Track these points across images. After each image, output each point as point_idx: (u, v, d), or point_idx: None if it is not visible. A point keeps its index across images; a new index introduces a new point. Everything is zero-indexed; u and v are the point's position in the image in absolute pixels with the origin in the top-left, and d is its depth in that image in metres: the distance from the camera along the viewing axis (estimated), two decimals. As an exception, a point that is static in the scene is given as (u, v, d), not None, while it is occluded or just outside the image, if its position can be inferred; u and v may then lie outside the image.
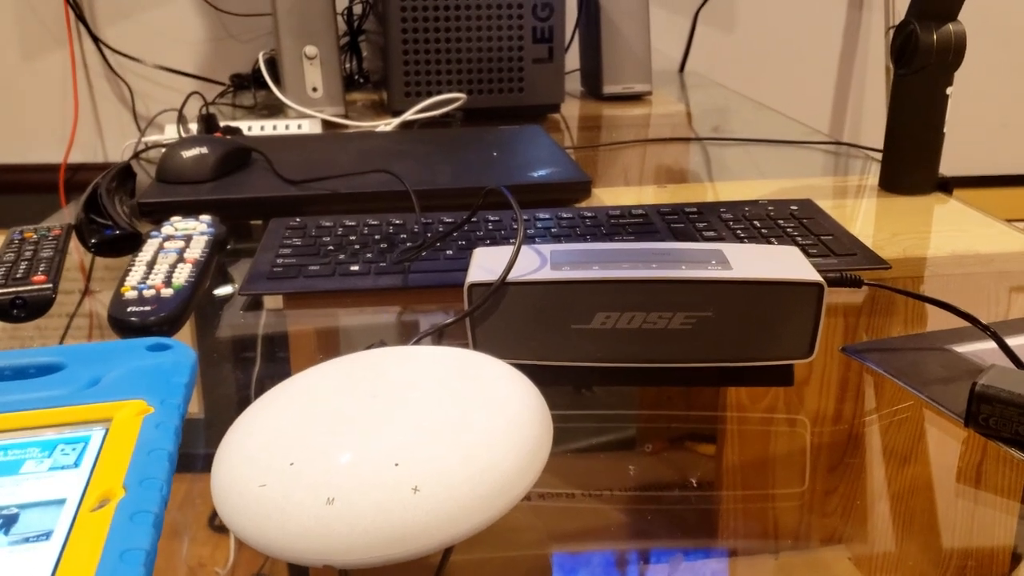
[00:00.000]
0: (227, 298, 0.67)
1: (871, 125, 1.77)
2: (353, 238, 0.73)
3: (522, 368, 0.44)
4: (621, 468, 0.46)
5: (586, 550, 0.40)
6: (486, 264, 0.53)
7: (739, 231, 0.73)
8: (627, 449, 0.48)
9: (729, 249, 0.53)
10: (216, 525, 0.41)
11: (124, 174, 0.85)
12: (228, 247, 0.76)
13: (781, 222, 0.75)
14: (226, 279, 0.71)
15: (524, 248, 0.53)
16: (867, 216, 0.84)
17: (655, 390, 0.54)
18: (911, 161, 0.87)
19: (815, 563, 0.39)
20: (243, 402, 0.50)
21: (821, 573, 0.39)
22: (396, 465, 0.34)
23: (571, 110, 1.39)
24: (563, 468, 0.45)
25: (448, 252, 0.70)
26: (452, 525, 0.34)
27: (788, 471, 0.46)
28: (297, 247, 0.72)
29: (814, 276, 0.50)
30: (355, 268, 0.68)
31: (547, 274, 0.51)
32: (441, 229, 0.73)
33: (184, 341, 0.52)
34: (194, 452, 0.48)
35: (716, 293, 0.50)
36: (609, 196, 0.90)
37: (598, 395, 0.53)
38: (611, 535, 0.41)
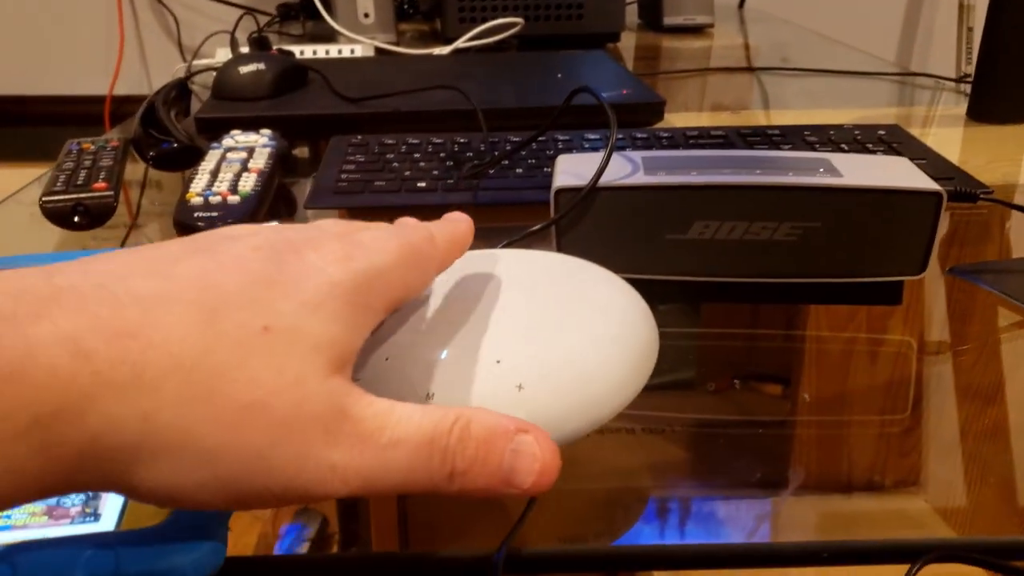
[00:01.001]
0: (291, 212, 0.65)
1: (941, 54, 1.69)
2: (418, 155, 0.70)
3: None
4: (687, 400, 0.43)
5: (648, 484, 0.38)
6: (573, 169, 0.49)
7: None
8: (691, 382, 0.45)
9: (837, 158, 0.49)
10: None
11: (180, 90, 0.83)
12: (289, 163, 0.74)
13: (870, 146, 0.71)
14: (288, 197, 0.69)
15: (616, 154, 0.50)
16: (955, 144, 0.79)
17: (725, 310, 0.51)
18: (1007, 86, 0.82)
19: (890, 505, 0.36)
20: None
21: (895, 515, 0.36)
22: (498, 362, 0.32)
23: (628, 42, 1.34)
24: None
25: (518, 170, 0.67)
26: (556, 426, 0.31)
27: (870, 402, 0.43)
28: (361, 163, 0.69)
29: (932, 185, 0.46)
30: (422, 184, 0.65)
31: (641, 179, 0.47)
32: (510, 147, 0.69)
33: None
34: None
35: (826, 202, 0.46)
36: (680, 121, 0.86)
37: (670, 315, 0.50)
38: (674, 470, 0.39)
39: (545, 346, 0.33)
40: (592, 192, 0.47)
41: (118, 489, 0.23)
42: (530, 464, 0.26)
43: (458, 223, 0.34)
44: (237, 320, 0.24)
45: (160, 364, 0.22)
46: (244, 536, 0.35)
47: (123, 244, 0.59)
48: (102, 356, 0.22)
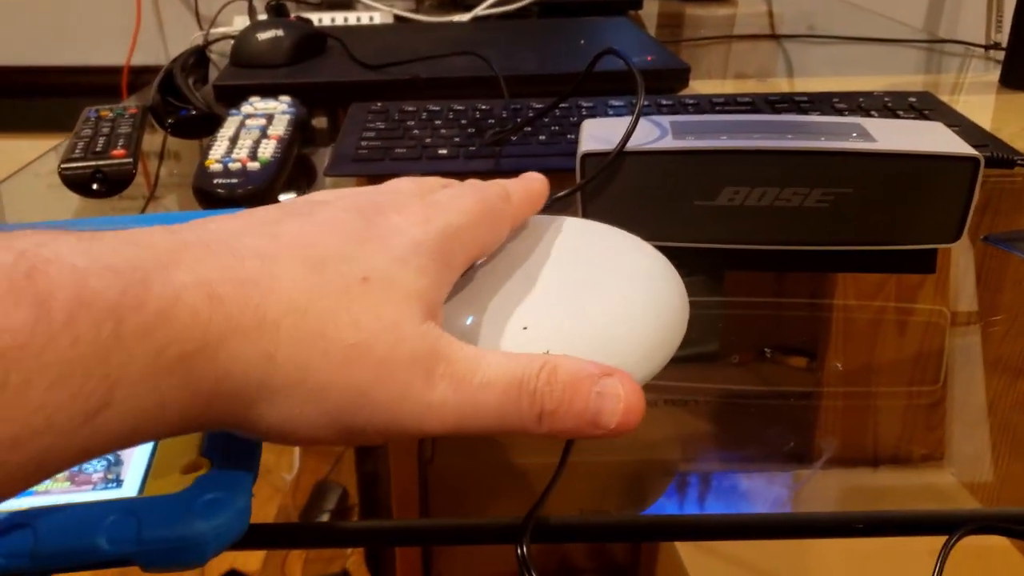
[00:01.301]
0: (310, 180, 0.64)
1: (971, 21, 1.66)
2: (439, 122, 0.69)
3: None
4: (711, 372, 0.42)
5: (672, 457, 0.37)
6: (600, 134, 0.48)
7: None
8: (713, 359, 0.44)
9: (870, 122, 0.48)
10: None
11: (198, 57, 0.82)
12: (309, 130, 0.73)
13: (901, 113, 0.69)
14: (307, 165, 0.68)
15: (642, 119, 0.49)
16: (987, 111, 0.78)
17: (750, 280, 0.50)
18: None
19: (917, 478, 0.36)
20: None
21: (923, 488, 0.35)
22: (525, 328, 0.31)
23: (651, 9, 1.32)
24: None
25: (541, 137, 0.66)
26: None
27: (899, 373, 0.42)
28: (381, 131, 0.68)
29: (969, 150, 0.45)
30: (443, 151, 0.64)
31: (669, 143, 0.46)
32: (532, 114, 0.68)
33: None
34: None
35: (859, 167, 0.45)
36: (705, 88, 0.84)
37: (694, 284, 0.49)
38: (698, 442, 0.38)
39: (573, 313, 0.32)
40: (619, 157, 0.46)
41: (241, 426, 0.26)
42: (615, 405, 0.28)
43: (533, 180, 0.37)
44: (340, 271, 0.26)
45: (278, 307, 0.25)
46: (264, 507, 0.35)
47: (143, 211, 0.58)
48: (231, 300, 0.24)
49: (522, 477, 0.39)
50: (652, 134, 0.47)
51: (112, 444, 0.23)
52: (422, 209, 0.30)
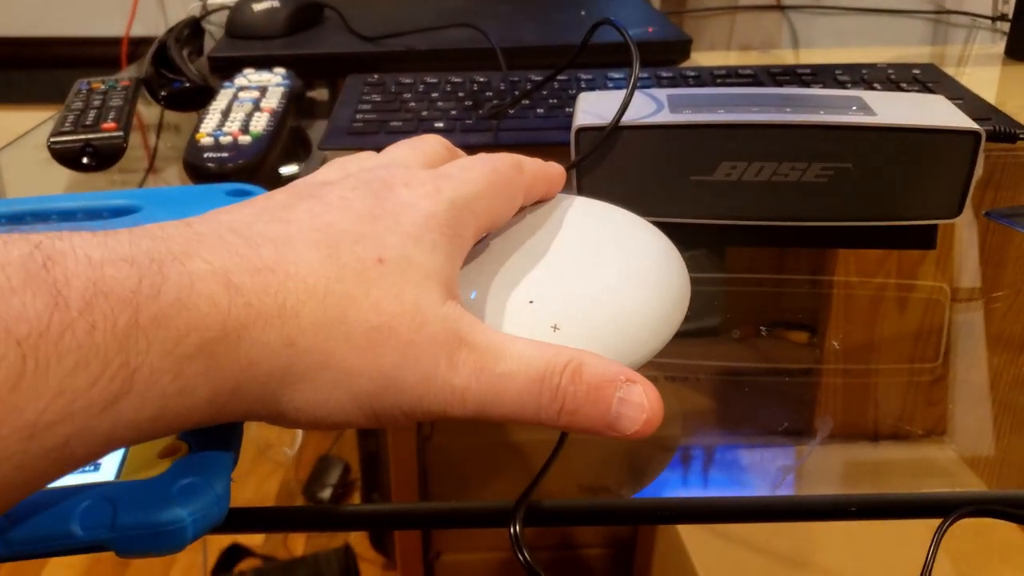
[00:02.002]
0: (305, 154, 0.63)
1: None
2: (436, 95, 0.68)
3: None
4: (714, 347, 0.42)
5: (672, 433, 0.37)
6: (594, 109, 0.47)
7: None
8: (716, 329, 0.43)
9: (870, 96, 0.47)
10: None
11: (193, 28, 0.81)
12: (303, 102, 0.72)
13: (904, 86, 0.68)
14: (302, 138, 0.67)
15: (639, 92, 0.48)
16: (992, 84, 0.77)
17: (751, 255, 0.49)
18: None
19: (918, 454, 0.35)
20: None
21: (924, 464, 0.35)
22: (531, 302, 0.31)
23: (654, -21, 1.30)
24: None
25: (539, 110, 0.65)
26: None
27: (900, 349, 0.41)
28: (377, 103, 0.67)
29: (970, 124, 0.44)
30: (439, 125, 0.63)
31: (665, 117, 0.45)
32: (530, 87, 0.67)
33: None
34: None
35: (858, 141, 0.44)
36: (706, 60, 0.83)
37: (694, 260, 0.48)
38: (698, 418, 0.38)
39: (580, 289, 0.32)
40: (614, 131, 0.45)
41: (269, 414, 0.26)
42: (637, 414, 0.27)
43: (551, 164, 0.36)
44: (355, 253, 0.26)
45: (297, 293, 0.25)
46: (267, 481, 0.35)
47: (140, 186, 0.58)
48: (249, 288, 0.24)
49: (521, 453, 0.39)
50: (648, 108, 0.47)
51: (137, 432, 0.23)
52: (431, 180, 0.30)
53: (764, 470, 0.34)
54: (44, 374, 0.20)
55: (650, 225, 0.37)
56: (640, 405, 0.27)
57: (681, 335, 0.33)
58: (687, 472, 0.35)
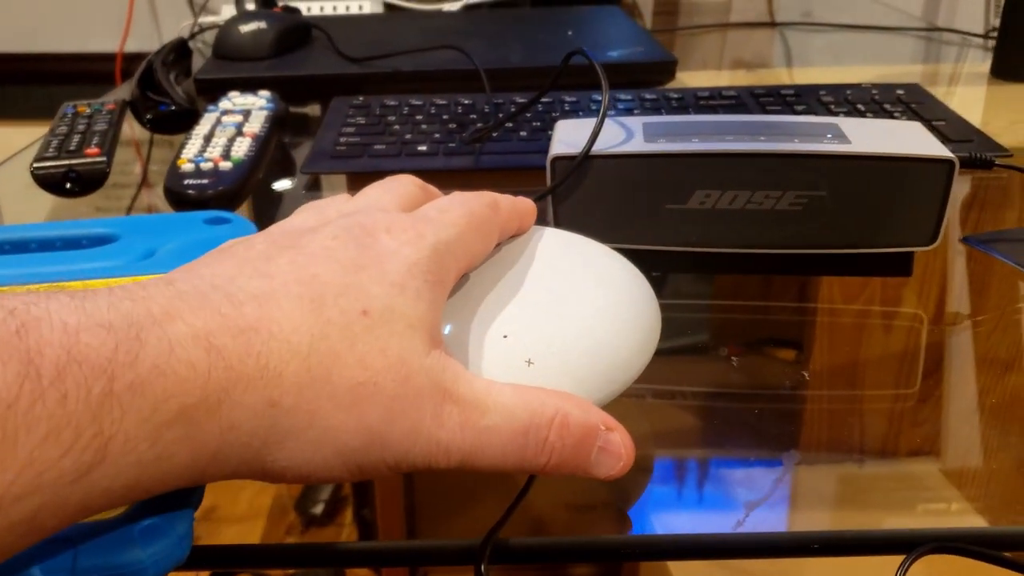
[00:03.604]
0: (288, 177, 0.63)
1: (969, 7, 1.64)
2: (420, 118, 0.68)
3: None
4: (697, 369, 0.42)
5: (658, 452, 0.37)
6: (570, 137, 0.47)
7: (842, 115, 0.66)
8: (701, 351, 0.43)
9: (846, 123, 0.47)
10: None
11: (179, 50, 0.81)
12: (287, 126, 0.72)
13: (887, 106, 0.68)
14: (286, 160, 0.67)
15: (614, 120, 0.48)
16: (978, 104, 0.77)
17: (734, 281, 0.49)
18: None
19: (903, 475, 0.35)
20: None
21: (910, 485, 0.35)
22: (505, 337, 0.31)
23: (645, -5, 1.30)
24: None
25: (522, 133, 0.65)
26: None
27: (881, 374, 0.41)
28: (361, 126, 0.67)
29: (944, 152, 0.44)
30: (423, 148, 0.63)
31: (639, 146, 0.45)
32: (514, 109, 0.68)
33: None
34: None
35: (833, 170, 0.44)
36: (693, 80, 0.83)
37: (677, 285, 0.48)
38: (683, 437, 0.38)
39: (552, 321, 0.32)
40: (589, 160, 0.45)
41: (253, 473, 0.25)
42: (614, 461, 0.29)
43: (522, 200, 0.36)
44: (339, 306, 0.26)
45: (281, 353, 0.24)
46: (258, 497, 0.35)
47: (124, 213, 0.58)
48: (231, 351, 0.24)
49: (516, 481, 0.38)
50: (624, 136, 0.47)
51: (111, 500, 0.22)
52: (412, 225, 0.29)
53: (749, 489, 0.34)
54: (12, 445, 0.20)
55: (619, 255, 0.37)
56: (617, 454, 0.29)
57: (666, 354, 0.33)
58: (673, 489, 0.35)
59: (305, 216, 0.32)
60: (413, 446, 0.26)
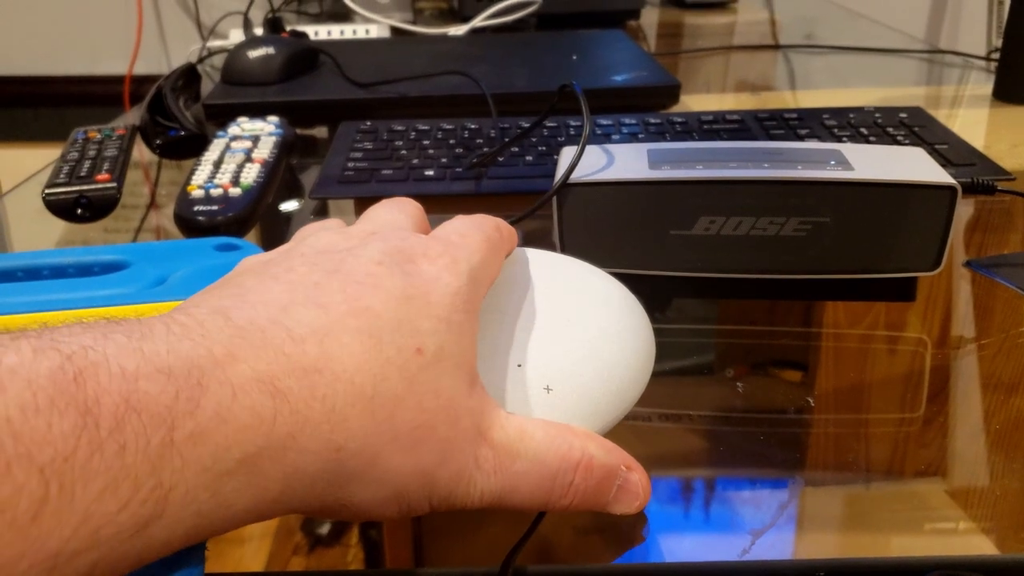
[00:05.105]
0: (297, 203, 0.64)
1: (972, 29, 1.64)
2: (427, 143, 0.69)
3: (615, 277, 0.40)
4: (703, 392, 0.42)
5: (664, 473, 0.37)
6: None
7: (845, 139, 0.67)
8: (707, 374, 0.44)
9: (849, 149, 0.48)
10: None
11: (189, 76, 0.82)
12: (296, 151, 0.73)
13: (890, 130, 0.69)
14: (295, 184, 0.68)
15: (619, 147, 0.48)
16: (980, 126, 0.77)
17: (739, 305, 0.49)
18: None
19: (909, 497, 0.35)
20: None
21: (916, 507, 0.35)
22: (519, 366, 0.31)
23: (650, 18, 1.31)
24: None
25: (527, 158, 0.66)
26: (587, 423, 0.31)
27: (886, 398, 0.42)
28: (368, 151, 0.68)
29: (947, 179, 0.45)
30: (429, 173, 0.64)
31: (645, 173, 0.46)
32: (506, 139, 0.68)
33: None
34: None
35: (836, 196, 0.45)
36: (697, 104, 0.84)
37: (683, 308, 0.49)
38: (690, 458, 0.38)
39: (562, 346, 0.32)
40: (596, 187, 0.46)
41: (311, 511, 0.25)
42: (631, 500, 0.30)
43: (504, 222, 0.36)
44: (395, 343, 0.26)
45: (346, 395, 0.24)
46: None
47: (134, 238, 0.58)
48: (296, 394, 0.23)
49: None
50: (629, 163, 0.47)
51: (167, 550, 0.22)
52: (446, 250, 0.29)
53: (755, 511, 0.34)
54: (69, 500, 0.19)
55: (605, 273, 0.37)
56: (635, 492, 0.30)
57: (672, 375, 0.33)
58: (679, 512, 0.35)
59: (329, 235, 0.31)
60: (456, 487, 0.27)
